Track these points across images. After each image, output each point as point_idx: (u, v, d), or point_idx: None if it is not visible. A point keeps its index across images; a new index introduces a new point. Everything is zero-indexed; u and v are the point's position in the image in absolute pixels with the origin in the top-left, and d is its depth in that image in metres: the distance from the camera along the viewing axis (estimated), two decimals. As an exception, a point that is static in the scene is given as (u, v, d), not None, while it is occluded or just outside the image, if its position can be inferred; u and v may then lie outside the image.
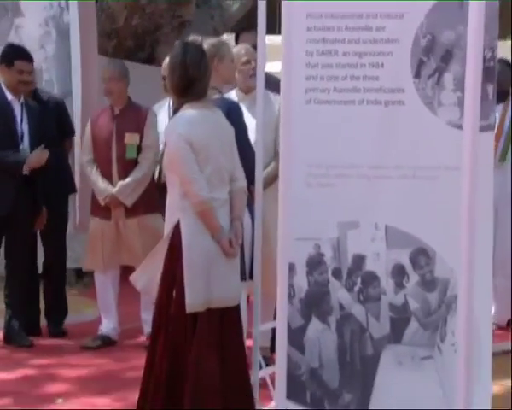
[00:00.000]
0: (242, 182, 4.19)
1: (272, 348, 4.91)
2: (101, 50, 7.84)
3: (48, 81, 6.52)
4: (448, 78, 3.94)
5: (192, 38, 4.64)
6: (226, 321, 4.07)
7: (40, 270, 6.21)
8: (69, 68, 6.25)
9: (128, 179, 5.62)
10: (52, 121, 5.85)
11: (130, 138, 5.61)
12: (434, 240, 3.98)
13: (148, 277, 4.14)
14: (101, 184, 5.63)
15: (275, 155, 5.06)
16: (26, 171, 5.49)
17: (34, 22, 6.29)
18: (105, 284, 5.86)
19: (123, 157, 5.61)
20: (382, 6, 4.02)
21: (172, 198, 4.06)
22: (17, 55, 5.52)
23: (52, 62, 6.18)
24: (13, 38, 6.31)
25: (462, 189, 3.11)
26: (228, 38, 9.60)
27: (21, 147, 5.51)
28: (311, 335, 4.16)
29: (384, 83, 4.04)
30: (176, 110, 4.10)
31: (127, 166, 5.63)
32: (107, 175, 5.65)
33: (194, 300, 3.93)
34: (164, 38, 8.43)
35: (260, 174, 4.33)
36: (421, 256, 4.05)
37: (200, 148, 3.97)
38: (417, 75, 4.01)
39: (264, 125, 4.38)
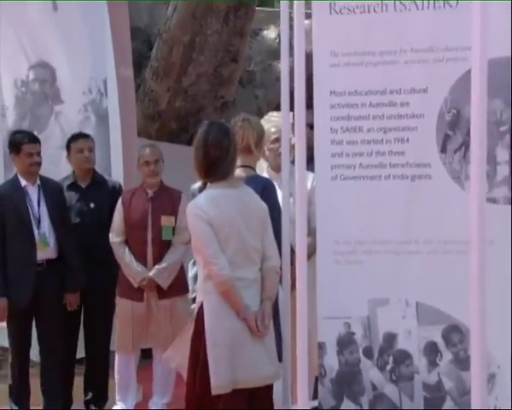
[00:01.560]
0: (275, 261, 4.11)
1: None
2: (145, 133, 7.93)
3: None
4: (475, 151, 3.90)
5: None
6: (256, 401, 4.01)
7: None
8: (108, 152, 6.31)
9: (165, 262, 5.60)
10: (106, 205, 5.87)
11: (167, 221, 5.61)
12: (467, 316, 3.86)
13: (180, 356, 4.14)
14: (136, 266, 5.62)
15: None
16: None
17: (73, 108, 6.38)
18: (129, 364, 5.81)
19: (158, 239, 5.61)
20: (406, 81, 4.02)
21: (199, 280, 4.06)
22: (23, 139, 5.55)
23: (92, 147, 6.24)
24: (53, 125, 6.42)
25: (472, 259, 3.05)
26: (279, 115, 9.66)
27: (38, 231, 5.51)
28: (343, 416, 4.09)
29: (410, 158, 4.03)
30: (201, 190, 4.11)
31: (162, 248, 5.63)
32: (140, 256, 5.64)
33: (220, 381, 3.89)
34: (206, 119, 8.48)
35: (288, 252, 4.27)
36: (454, 333, 3.96)
37: (219, 227, 3.95)
38: (443, 149, 3.98)
39: (294, 201, 4.33)
